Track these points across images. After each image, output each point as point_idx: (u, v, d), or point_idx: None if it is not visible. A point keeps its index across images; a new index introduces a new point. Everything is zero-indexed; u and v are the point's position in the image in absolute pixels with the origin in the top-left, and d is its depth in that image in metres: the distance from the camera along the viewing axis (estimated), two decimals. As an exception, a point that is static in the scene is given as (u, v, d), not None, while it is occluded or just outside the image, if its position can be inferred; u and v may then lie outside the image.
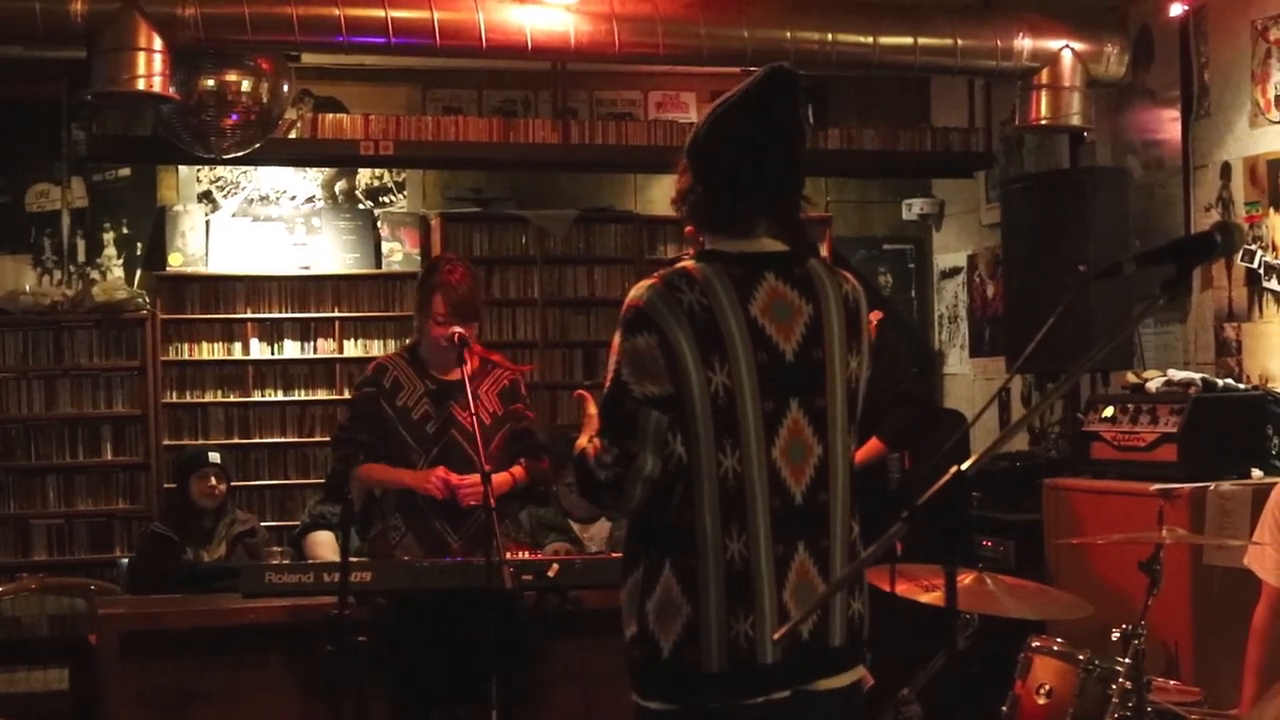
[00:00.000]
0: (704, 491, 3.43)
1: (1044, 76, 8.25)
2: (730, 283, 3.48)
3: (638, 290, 3.49)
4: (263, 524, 8.52)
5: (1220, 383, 7.15)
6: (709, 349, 3.42)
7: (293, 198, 10.20)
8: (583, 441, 3.59)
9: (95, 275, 9.81)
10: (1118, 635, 5.00)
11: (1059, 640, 5.41)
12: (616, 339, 3.49)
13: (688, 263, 3.54)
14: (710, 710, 3.44)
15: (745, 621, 3.42)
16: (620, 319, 3.49)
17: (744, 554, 3.42)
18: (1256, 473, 6.77)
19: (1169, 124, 8.24)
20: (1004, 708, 5.37)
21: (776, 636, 3.37)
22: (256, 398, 9.96)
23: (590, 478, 3.53)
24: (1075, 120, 8.32)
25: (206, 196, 10.04)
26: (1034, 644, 5.39)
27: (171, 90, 7.34)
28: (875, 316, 5.70)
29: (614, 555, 4.37)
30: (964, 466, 2.68)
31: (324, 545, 7.76)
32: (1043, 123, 8.36)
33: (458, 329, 5.73)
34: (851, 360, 3.59)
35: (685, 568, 3.43)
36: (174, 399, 9.81)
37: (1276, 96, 7.44)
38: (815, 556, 3.50)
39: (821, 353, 3.53)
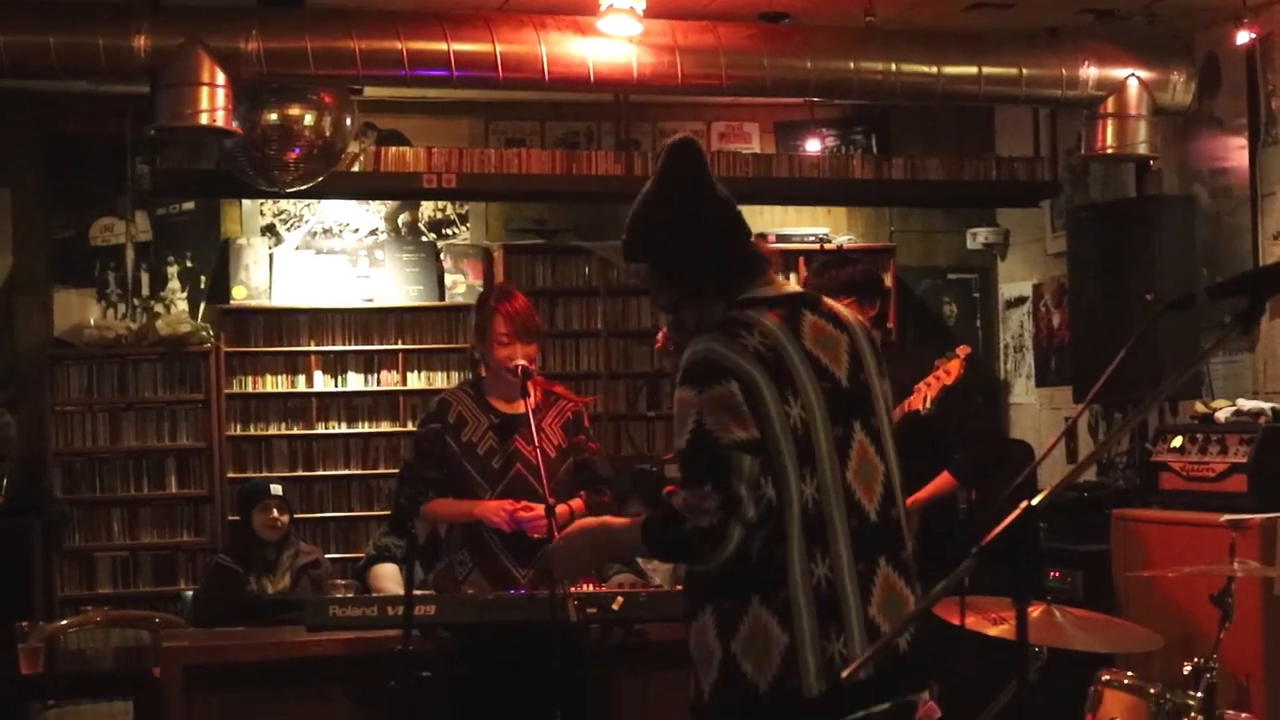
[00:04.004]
0: (792, 522, 3.48)
1: (1110, 105, 8.19)
2: (782, 321, 3.60)
3: (699, 346, 3.55)
4: (327, 556, 8.52)
5: (1290, 412, 7.08)
6: (783, 385, 3.52)
7: (356, 230, 10.23)
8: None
9: (159, 309, 9.86)
10: (1189, 669, 4.96)
11: (1129, 674, 5.35)
12: (688, 394, 3.52)
13: (733, 312, 3.63)
14: None
15: (838, 641, 3.49)
16: (686, 374, 3.54)
17: (829, 577, 3.51)
18: (1328, 503, 6.70)
19: (1236, 152, 8.18)
20: (1074, 742, 5.32)
21: (845, 675, 3.36)
22: (320, 430, 9.98)
23: (682, 532, 3.49)
24: (1141, 149, 8.26)
25: (270, 230, 10.08)
26: (1104, 678, 5.33)
27: (234, 124, 7.38)
28: (964, 351, 5.74)
29: (678, 589, 4.34)
30: (1034, 502, 2.65)
31: (388, 578, 7.74)
32: (1109, 152, 8.32)
33: (520, 360, 5.70)
34: (884, 382, 3.78)
35: (779, 600, 3.49)
36: (238, 432, 9.86)
37: (1345, 123, 7.39)
38: (898, 569, 3.63)
39: (865, 376, 3.70)
